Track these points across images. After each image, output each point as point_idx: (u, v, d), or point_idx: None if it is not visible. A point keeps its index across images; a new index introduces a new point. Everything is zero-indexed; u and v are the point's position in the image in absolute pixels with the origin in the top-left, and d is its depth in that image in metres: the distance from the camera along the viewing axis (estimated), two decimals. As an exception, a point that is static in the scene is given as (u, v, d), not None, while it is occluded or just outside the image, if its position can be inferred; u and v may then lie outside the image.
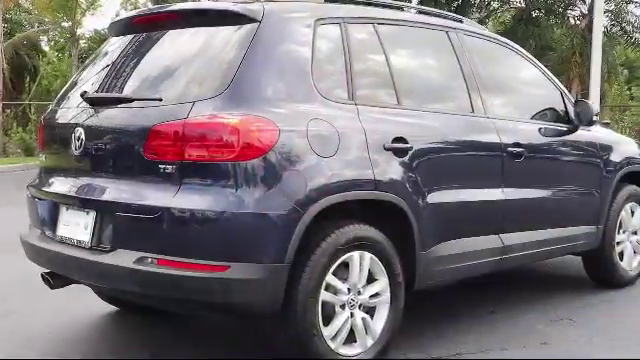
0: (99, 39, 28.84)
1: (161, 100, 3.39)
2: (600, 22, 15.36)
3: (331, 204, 3.39)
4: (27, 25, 28.82)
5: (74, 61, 26.11)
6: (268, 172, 3.25)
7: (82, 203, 3.61)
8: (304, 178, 3.32)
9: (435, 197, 3.92)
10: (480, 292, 5.23)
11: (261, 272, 3.21)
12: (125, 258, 3.30)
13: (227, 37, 3.51)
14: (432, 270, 3.95)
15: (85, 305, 4.66)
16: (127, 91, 3.64)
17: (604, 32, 17.69)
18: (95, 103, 3.70)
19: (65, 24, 28.63)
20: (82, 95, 3.69)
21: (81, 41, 28.84)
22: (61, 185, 3.82)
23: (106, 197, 3.48)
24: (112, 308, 4.69)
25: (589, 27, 17.81)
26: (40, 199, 3.94)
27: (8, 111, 22.52)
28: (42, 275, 3.91)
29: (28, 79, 26.68)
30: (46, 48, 33.58)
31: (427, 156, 3.91)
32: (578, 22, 21.27)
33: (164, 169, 3.27)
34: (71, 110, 3.90)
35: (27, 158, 19.20)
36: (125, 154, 3.46)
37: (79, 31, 28.96)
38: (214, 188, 3.22)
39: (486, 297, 5.14)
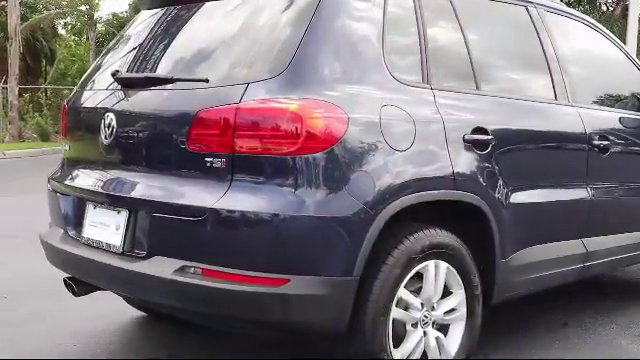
0: (117, 23, 28.37)
1: (207, 81, 2.87)
2: (636, 8, 14.70)
3: (406, 206, 2.87)
4: (42, 8, 28.37)
5: (91, 45, 25.65)
6: (335, 168, 2.73)
7: (112, 200, 3.10)
8: (376, 175, 2.80)
9: (517, 197, 3.39)
10: (545, 300, 4.70)
11: (326, 287, 2.70)
12: (163, 267, 2.80)
13: (284, 8, 2.98)
14: (512, 280, 3.43)
15: (112, 308, 4.18)
16: (165, 71, 3.13)
17: (640, 18, 17.01)
18: (128, 84, 3.19)
19: (82, 7, 28.18)
20: (113, 75, 3.17)
21: (98, 25, 28.38)
22: (88, 179, 3.31)
23: (141, 194, 2.97)
24: (140, 313, 4.20)
25: (624, 14, 17.13)
26: (63, 194, 3.44)
27: (25, 95, 22.11)
28: (64, 280, 3.43)
29: (44, 63, 26.29)
30: (62, 32, 33.16)
31: (508, 149, 3.38)
32: (611, 9, 20.56)
33: (211, 163, 2.76)
34: (100, 93, 3.39)
35: (43, 143, 18.81)
36: (164, 144, 2.95)
37: (96, 14, 28.49)
38: (271, 186, 2.70)
39: (553, 306, 4.60)
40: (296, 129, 2.68)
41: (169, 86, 2.99)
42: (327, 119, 2.73)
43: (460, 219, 3.20)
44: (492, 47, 3.68)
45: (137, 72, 3.27)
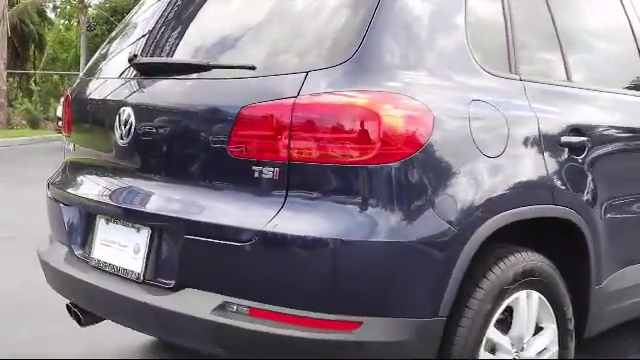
0: (109, 6, 27.58)
1: (254, 69, 2.28)
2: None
3: (501, 226, 2.31)
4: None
5: (82, 29, 24.86)
6: (417, 180, 2.16)
7: (130, 216, 2.51)
8: (467, 188, 2.23)
9: (614, 209, 2.83)
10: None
11: (407, 331, 2.13)
12: (198, 303, 2.22)
13: None
14: (607, 309, 2.87)
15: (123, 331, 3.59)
16: (197, 55, 2.53)
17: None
18: (150, 72, 2.60)
19: (72, -9, 27.40)
20: (131, 60, 2.57)
21: (89, 8, 27.57)
22: (98, 187, 2.72)
23: (168, 210, 2.39)
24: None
25: None
26: (67, 204, 2.85)
27: (11, 80, 21.34)
28: (68, 307, 2.86)
29: (33, 48, 25.56)
30: (52, 16, 32.28)
31: (605, 154, 2.82)
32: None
33: (259, 173, 2.18)
34: (112, 82, 2.79)
35: (33, 131, 18.13)
36: (197, 148, 2.36)
37: (87, -2, 27.67)
38: (337, 204, 2.13)
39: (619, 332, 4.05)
40: (371, 131, 2.10)
41: (203, 74, 2.40)
42: (410, 119, 2.16)
43: (552, 238, 2.64)
44: (582, 31, 3.09)
45: (162, 56, 2.67)
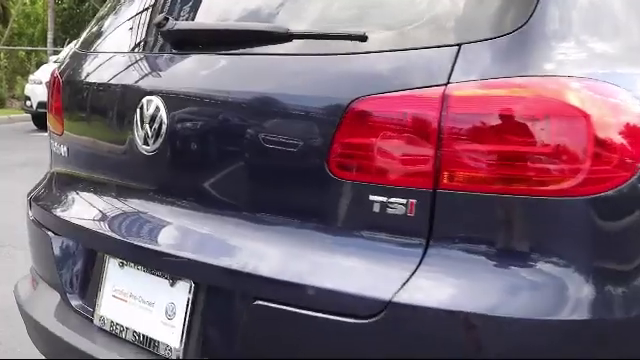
0: (78, -22, 26.23)
1: (365, 39, 1.44)
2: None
3: None
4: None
5: (50, 3, 23.56)
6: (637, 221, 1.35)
7: (162, 261, 1.67)
8: None
9: None
10: None
11: None
12: None
13: None
14: None
15: None
16: (267, 20, 1.67)
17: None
18: (189, 44, 1.73)
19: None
20: (159, 26, 1.70)
21: (57, -20, 26.21)
22: (109, 214, 1.86)
23: (226, 258, 1.54)
24: None
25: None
26: (58, 234, 1.99)
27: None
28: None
29: (-2, 22, 24.23)
30: (16, -12, 30.75)
31: None
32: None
33: (382, 207, 1.35)
34: (127, 59, 1.92)
35: (-1, 110, 17.01)
36: (274, 163, 1.51)
37: (54, -31, 26.24)
38: (516, 261, 1.31)
39: None
40: (577, 142, 1.28)
41: (279, 48, 1.55)
42: (626, 121, 1.34)
43: None
44: None
45: (208, 20, 1.80)
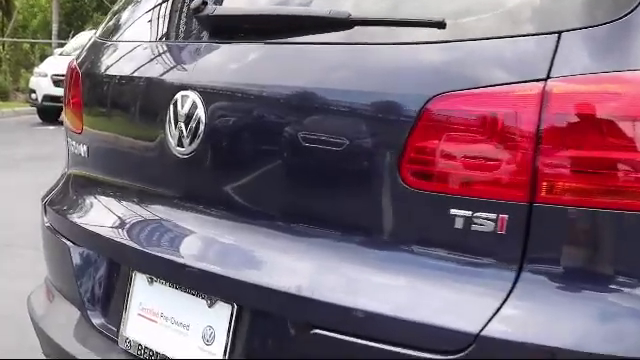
0: (82, -30, 25.99)
1: (443, 26, 1.23)
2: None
3: None
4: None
5: (54, -6, 23.34)
6: None
7: (199, 279, 1.46)
8: None
9: None
10: None
11: None
12: None
13: None
14: None
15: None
16: (327, 3, 1.46)
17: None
18: (231, 32, 1.52)
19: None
20: (197, 11, 1.49)
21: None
22: (136, 224, 1.66)
23: (274, 279, 1.33)
24: None
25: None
26: (78, 243, 1.79)
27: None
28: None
29: (1, 14, 24.02)
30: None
31: None
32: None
33: (466, 222, 1.15)
34: (156, 48, 1.72)
35: (2, 103, 16.77)
36: (334, 169, 1.30)
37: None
38: (630, 290, 1.11)
39: None
40: None
41: (339, 36, 1.34)
42: None
43: None
44: None
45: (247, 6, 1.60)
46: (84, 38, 14.86)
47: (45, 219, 1.94)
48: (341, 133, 1.28)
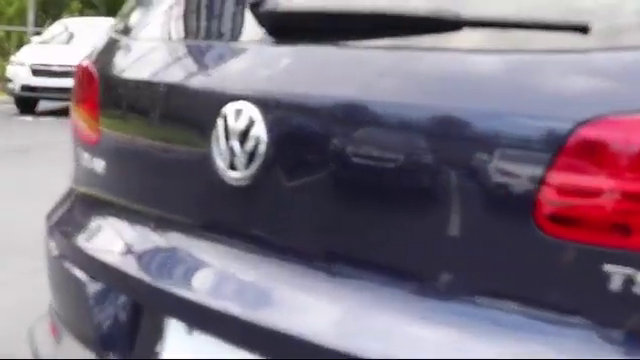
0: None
1: (586, 31, 0.97)
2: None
3: None
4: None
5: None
6: None
7: (251, 333, 1.19)
8: None
9: None
10: None
11: None
12: None
13: None
14: None
15: None
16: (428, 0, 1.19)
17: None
18: (302, 29, 1.24)
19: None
20: (255, 4, 1.21)
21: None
22: (168, 260, 1.39)
23: (358, 342, 1.07)
24: None
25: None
26: (95, 277, 1.51)
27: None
28: None
29: (-25, 0, 23.37)
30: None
31: None
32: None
33: (629, 282, 0.89)
34: (195, 49, 1.44)
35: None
36: (439, 205, 1.03)
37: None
38: None
39: None
40: None
41: (447, 41, 1.08)
42: None
43: None
44: None
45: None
46: (61, 26, 14.48)
47: (52, 245, 1.66)
48: (449, 163, 1.02)
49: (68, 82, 12.97)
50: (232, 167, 1.22)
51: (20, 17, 23.60)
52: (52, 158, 7.32)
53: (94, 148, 1.59)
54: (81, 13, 23.87)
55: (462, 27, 1.06)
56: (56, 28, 14.42)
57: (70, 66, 11.93)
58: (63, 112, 12.13)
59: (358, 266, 1.12)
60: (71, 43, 13.31)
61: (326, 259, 1.17)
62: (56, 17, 21.12)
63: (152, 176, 1.46)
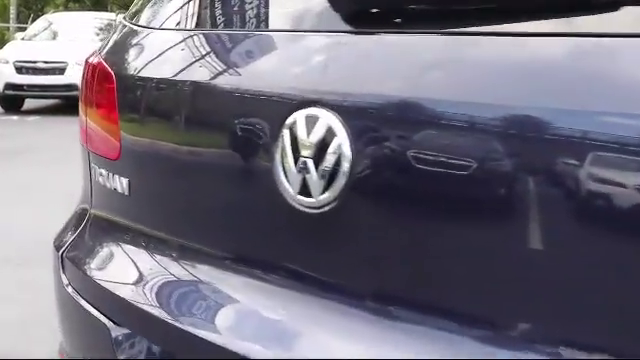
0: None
1: None
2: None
3: None
4: None
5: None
6: None
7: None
8: None
9: None
10: None
11: None
12: None
13: None
14: None
15: None
16: None
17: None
18: (399, 14, 0.98)
19: None
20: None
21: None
22: (216, 309, 1.11)
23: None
24: None
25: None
26: (121, 325, 1.24)
27: None
28: None
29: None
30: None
31: None
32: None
33: None
34: (245, 40, 1.17)
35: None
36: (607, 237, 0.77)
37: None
38: None
39: None
40: None
41: (590, 25, 0.81)
42: None
43: None
44: None
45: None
46: (45, 22, 14.09)
47: (63, 278, 1.39)
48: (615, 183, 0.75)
49: (54, 79, 12.55)
50: (305, 191, 0.96)
51: (3, 14, 23.14)
52: (40, 160, 7.02)
53: (114, 163, 1.32)
54: (66, 7, 23.43)
55: (620, 8, 0.80)
56: (40, 24, 14.03)
57: (56, 62, 11.60)
58: (49, 110, 11.79)
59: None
60: (56, 39, 12.96)
61: (420, 304, 0.90)
62: (38, 13, 20.70)
63: (192, 200, 1.18)
